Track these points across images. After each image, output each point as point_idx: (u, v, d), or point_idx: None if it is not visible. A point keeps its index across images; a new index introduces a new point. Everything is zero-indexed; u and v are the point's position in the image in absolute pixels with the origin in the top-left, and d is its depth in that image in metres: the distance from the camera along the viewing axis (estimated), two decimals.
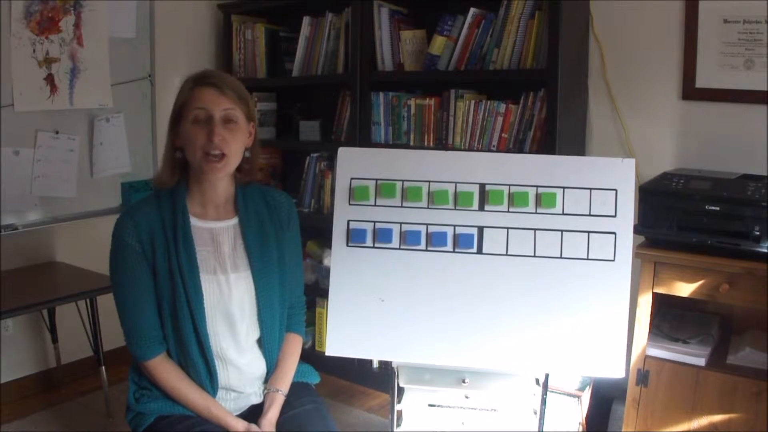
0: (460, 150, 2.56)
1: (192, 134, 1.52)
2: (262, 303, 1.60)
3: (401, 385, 1.73)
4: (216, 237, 1.59)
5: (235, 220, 1.62)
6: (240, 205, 1.63)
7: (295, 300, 1.74)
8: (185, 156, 1.56)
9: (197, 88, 1.54)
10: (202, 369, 1.54)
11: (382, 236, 1.66)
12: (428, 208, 1.66)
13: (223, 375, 1.57)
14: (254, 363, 1.62)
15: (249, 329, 1.61)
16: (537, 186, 1.63)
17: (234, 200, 1.64)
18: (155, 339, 1.54)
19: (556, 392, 2.30)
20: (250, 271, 1.59)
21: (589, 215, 1.61)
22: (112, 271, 1.56)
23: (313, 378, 1.76)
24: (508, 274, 1.62)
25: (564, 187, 1.62)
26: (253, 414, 1.61)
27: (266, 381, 1.65)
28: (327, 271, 1.73)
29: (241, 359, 1.59)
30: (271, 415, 1.57)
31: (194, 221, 1.58)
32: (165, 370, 1.55)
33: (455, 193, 1.66)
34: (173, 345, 1.55)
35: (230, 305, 1.56)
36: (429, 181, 1.67)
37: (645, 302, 2.04)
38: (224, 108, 1.53)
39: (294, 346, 1.71)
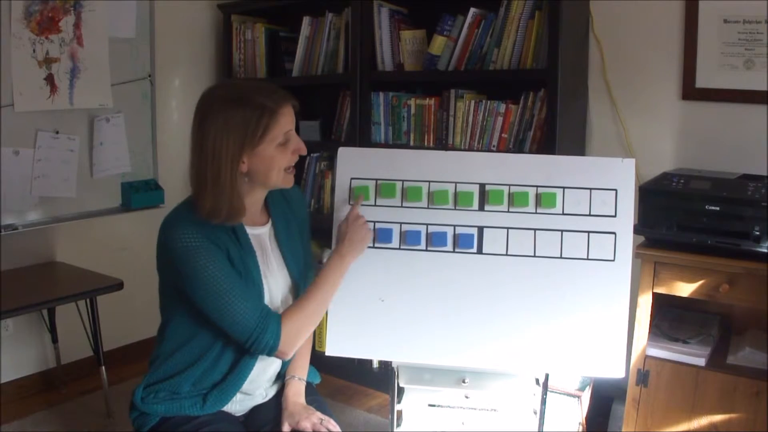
0: (460, 150, 2.56)
1: (278, 157, 1.47)
2: None
3: (401, 385, 1.73)
4: (261, 242, 1.57)
5: (269, 224, 1.61)
6: (271, 209, 1.62)
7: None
8: (250, 179, 1.49)
9: (280, 110, 1.45)
10: (233, 369, 1.52)
11: (382, 236, 1.66)
12: (428, 208, 1.66)
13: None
14: (272, 365, 1.62)
15: None
16: (537, 186, 1.63)
17: (265, 204, 1.62)
18: (267, 310, 1.48)
19: (556, 392, 2.30)
20: (288, 273, 1.60)
21: (589, 215, 1.61)
22: (197, 276, 1.42)
23: (314, 378, 1.77)
24: (508, 274, 1.62)
25: (564, 187, 1.62)
26: (254, 413, 1.62)
27: (275, 381, 1.66)
28: None
29: (261, 362, 1.58)
30: (291, 395, 1.60)
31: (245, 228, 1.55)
32: (296, 320, 1.48)
33: (455, 193, 1.66)
34: (209, 340, 1.51)
35: (276, 308, 1.55)
36: (429, 181, 1.67)
37: (645, 302, 2.04)
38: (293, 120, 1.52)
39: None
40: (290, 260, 1.61)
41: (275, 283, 1.57)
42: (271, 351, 1.46)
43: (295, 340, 1.49)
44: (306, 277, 1.65)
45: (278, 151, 1.47)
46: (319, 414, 1.57)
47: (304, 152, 1.52)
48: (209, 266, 1.42)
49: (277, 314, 1.48)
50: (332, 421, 1.57)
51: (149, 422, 1.53)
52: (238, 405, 1.60)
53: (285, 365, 1.66)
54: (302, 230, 1.69)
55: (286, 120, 1.47)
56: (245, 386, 1.57)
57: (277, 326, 1.45)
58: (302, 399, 1.62)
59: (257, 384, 1.61)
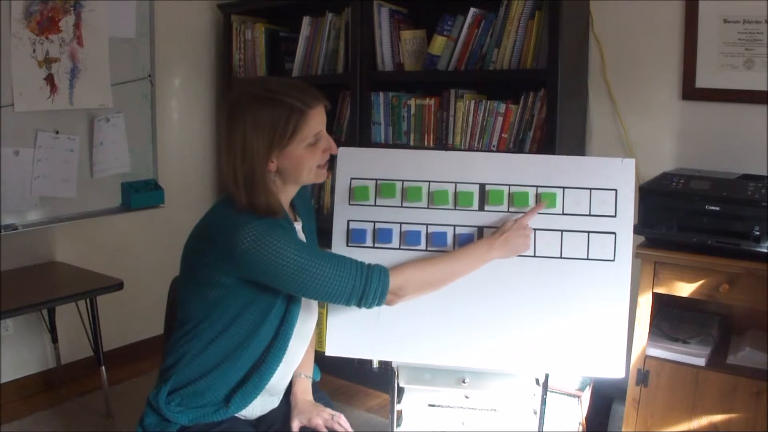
0: (460, 150, 2.56)
1: (307, 157, 1.45)
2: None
3: (401, 385, 1.73)
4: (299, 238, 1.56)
5: (300, 223, 1.60)
6: (297, 206, 1.61)
7: None
8: (281, 177, 1.47)
9: (310, 110, 1.44)
10: (264, 368, 1.48)
11: (382, 236, 1.66)
12: (428, 208, 1.66)
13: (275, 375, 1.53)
14: (297, 363, 1.61)
15: (312, 327, 1.63)
16: (537, 186, 1.63)
17: (291, 202, 1.60)
18: (362, 263, 1.46)
19: (556, 392, 2.30)
20: None
21: (589, 215, 1.61)
22: (279, 256, 1.37)
23: (316, 375, 1.76)
24: (508, 273, 1.62)
25: (564, 187, 1.62)
26: (267, 417, 1.60)
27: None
28: None
29: (285, 364, 1.54)
30: (300, 393, 1.60)
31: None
32: (407, 273, 1.48)
33: (455, 193, 1.66)
34: (239, 338, 1.46)
35: (303, 306, 1.55)
36: (429, 181, 1.67)
37: (645, 302, 2.04)
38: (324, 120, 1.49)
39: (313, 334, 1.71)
40: None
41: None
42: (381, 299, 1.44)
43: (402, 291, 1.47)
44: None
45: (307, 151, 1.45)
46: (329, 410, 1.58)
47: (335, 151, 1.51)
48: (290, 245, 1.38)
49: (380, 265, 1.46)
50: (343, 417, 1.58)
51: (169, 429, 1.45)
52: (258, 408, 1.56)
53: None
54: (312, 230, 1.69)
55: (316, 121, 1.45)
56: (272, 385, 1.52)
57: (381, 274, 1.44)
58: (311, 396, 1.63)
59: (280, 386, 1.58)
